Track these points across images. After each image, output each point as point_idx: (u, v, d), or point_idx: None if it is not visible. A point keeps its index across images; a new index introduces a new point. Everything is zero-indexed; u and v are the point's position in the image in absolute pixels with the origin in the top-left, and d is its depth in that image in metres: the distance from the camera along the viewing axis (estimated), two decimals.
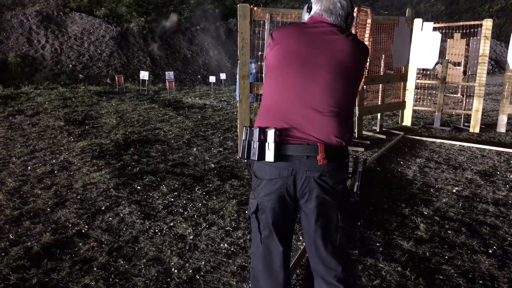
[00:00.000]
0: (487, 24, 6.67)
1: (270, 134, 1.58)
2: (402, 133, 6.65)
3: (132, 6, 16.89)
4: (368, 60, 5.60)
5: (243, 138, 1.65)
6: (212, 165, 4.79)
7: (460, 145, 5.95)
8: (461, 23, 7.98)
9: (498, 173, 4.67)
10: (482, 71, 6.83)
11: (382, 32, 6.42)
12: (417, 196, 3.89)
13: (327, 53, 1.62)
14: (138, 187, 4.00)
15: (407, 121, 7.54)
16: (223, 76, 14.20)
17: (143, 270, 2.55)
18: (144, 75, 12.28)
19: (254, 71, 7.96)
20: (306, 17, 1.79)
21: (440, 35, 6.84)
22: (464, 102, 7.90)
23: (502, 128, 6.97)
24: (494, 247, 2.89)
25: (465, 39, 8.76)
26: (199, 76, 16.81)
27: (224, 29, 19.86)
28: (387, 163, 5.00)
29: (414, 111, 7.81)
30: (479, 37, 7.05)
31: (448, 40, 9.16)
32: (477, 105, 6.90)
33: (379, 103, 6.85)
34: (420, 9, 26.82)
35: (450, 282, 2.46)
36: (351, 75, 1.65)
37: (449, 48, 9.04)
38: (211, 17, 19.55)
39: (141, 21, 16.91)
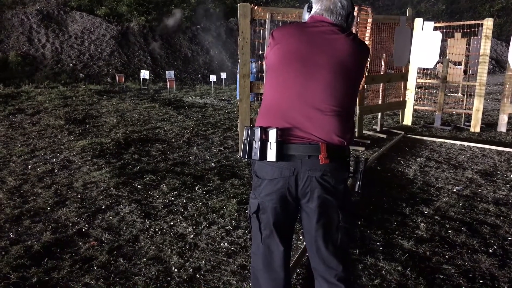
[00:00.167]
0: (488, 23, 6.66)
1: (272, 134, 1.58)
2: (403, 132, 6.65)
3: (133, 5, 16.90)
4: (369, 59, 5.60)
5: (244, 138, 1.64)
6: (213, 164, 4.79)
7: (461, 145, 5.94)
8: (461, 23, 7.98)
9: (499, 172, 4.66)
10: (482, 70, 6.82)
11: (383, 31, 6.41)
12: (418, 195, 3.89)
13: (327, 52, 1.62)
14: (139, 186, 4.00)
15: (408, 120, 7.54)
16: (223, 75, 14.21)
17: (143, 269, 2.55)
18: (144, 74, 12.28)
19: (254, 70, 7.96)
20: (306, 16, 1.79)
21: (440, 34, 6.83)
22: (465, 102, 7.90)
23: (502, 127, 6.96)
24: (495, 247, 2.89)
25: (465, 39, 8.76)
26: (199, 75, 16.81)
27: (224, 28, 19.86)
28: (388, 162, 5.00)
29: (415, 111, 7.81)
30: (479, 37, 7.05)
31: (449, 39, 9.15)
32: (478, 104, 6.89)
33: (380, 103, 6.85)
34: (421, 9, 26.81)
35: (451, 281, 2.46)
36: (352, 75, 1.65)
37: (450, 48, 9.03)
38: (212, 16, 19.56)
39: (141, 20, 16.91)
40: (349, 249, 1.80)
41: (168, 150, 5.38)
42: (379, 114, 6.87)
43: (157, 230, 3.09)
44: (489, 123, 7.55)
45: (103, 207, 3.50)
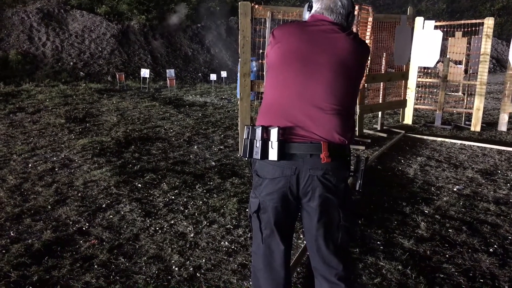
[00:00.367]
0: (489, 22, 6.66)
1: (273, 133, 1.58)
2: (403, 131, 6.65)
3: (133, 4, 16.88)
4: (369, 58, 5.60)
5: (244, 137, 1.64)
6: (213, 163, 4.79)
7: (461, 144, 5.94)
8: (462, 22, 7.97)
9: (499, 171, 4.66)
10: (483, 69, 6.82)
11: (384, 30, 6.40)
12: (418, 194, 3.89)
13: (328, 51, 1.61)
14: (139, 185, 4.00)
15: (408, 119, 7.54)
16: (224, 74, 14.19)
17: (143, 268, 2.55)
18: (144, 72, 12.27)
19: (255, 69, 7.95)
20: (307, 15, 1.78)
21: (441, 33, 6.82)
22: (465, 101, 7.89)
23: (503, 126, 6.96)
24: (495, 246, 2.89)
25: (466, 38, 8.73)
26: (200, 74, 16.81)
27: (225, 27, 19.85)
28: (388, 161, 5.00)
29: (415, 110, 7.80)
30: (480, 36, 7.04)
31: (450, 38, 9.13)
32: (478, 103, 6.89)
33: (380, 102, 6.84)
34: (422, 8, 26.78)
35: (451, 280, 2.46)
36: (352, 74, 1.65)
37: (451, 47, 9.00)
38: (212, 15, 19.54)
39: (142, 18, 16.90)
40: (349, 248, 1.80)
41: (168, 149, 5.38)
42: (380, 113, 6.87)
43: (157, 228, 3.09)
44: (489, 122, 7.55)
45: (104, 205, 3.50)
